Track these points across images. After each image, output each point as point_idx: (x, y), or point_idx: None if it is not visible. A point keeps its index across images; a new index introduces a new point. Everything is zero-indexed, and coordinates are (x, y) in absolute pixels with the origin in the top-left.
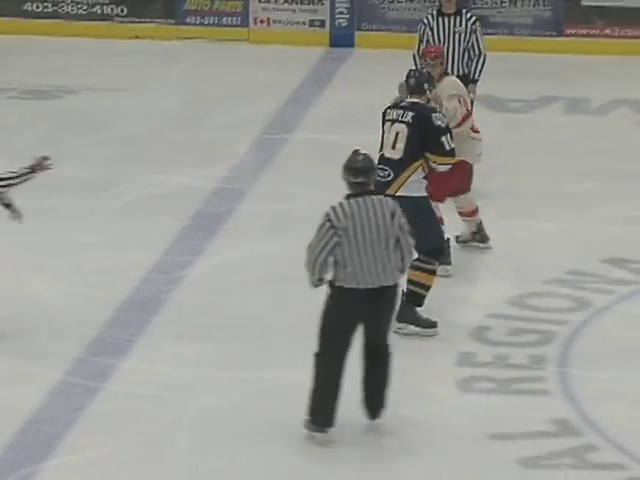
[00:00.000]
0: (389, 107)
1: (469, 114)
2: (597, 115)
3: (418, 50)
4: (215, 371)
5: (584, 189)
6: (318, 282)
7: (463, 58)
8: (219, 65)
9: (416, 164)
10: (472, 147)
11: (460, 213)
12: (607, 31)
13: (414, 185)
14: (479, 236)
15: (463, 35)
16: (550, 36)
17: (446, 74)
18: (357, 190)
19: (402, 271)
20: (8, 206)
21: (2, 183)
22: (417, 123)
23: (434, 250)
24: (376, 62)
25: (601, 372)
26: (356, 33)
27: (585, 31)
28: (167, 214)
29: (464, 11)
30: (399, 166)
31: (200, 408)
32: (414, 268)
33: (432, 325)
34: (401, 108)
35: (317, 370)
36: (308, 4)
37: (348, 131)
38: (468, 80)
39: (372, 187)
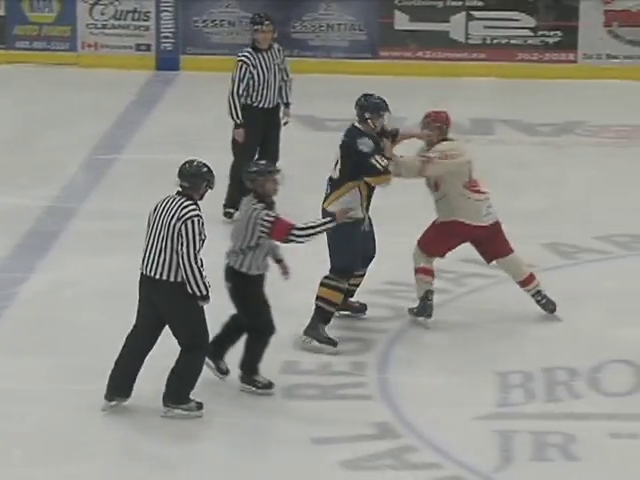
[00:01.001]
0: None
1: (430, 160)
2: None
3: (238, 89)
4: (51, 384)
5: (395, 204)
6: None
7: (281, 87)
8: (49, 89)
9: (351, 184)
10: (472, 208)
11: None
12: (419, 53)
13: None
14: (540, 305)
15: (280, 66)
16: (366, 59)
17: (444, 140)
18: (181, 191)
19: (182, 276)
20: (279, 261)
21: (303, 232)
22: (345, 147)
23: (343, 269)
24: (201, 84)
25: (418, 377)
26: (181, 57)
27: (399, 54)
28: (0, 233)
29: (272, 44)
30: (336, 184)
31: (36, 421)
32: (323, 285)
33: (332, 343)
34: (345, 131)
35: None
36: (134, 29)
37: (175, 151)
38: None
39: (198, 191)
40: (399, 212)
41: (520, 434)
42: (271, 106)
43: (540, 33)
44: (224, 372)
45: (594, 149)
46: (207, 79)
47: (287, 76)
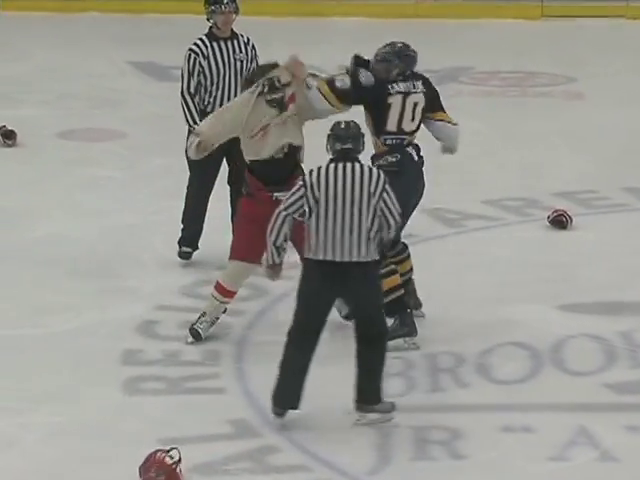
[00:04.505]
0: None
1: None
2: None
3: (188, 86)
4: None
5: None
6: None
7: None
8: None
9: None
10: None
11: None
12: None
13: None
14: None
15: (245, 63)
16: None
17: None
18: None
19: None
20: None
21: None
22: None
23: None
24: (23, 27)
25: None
26: None
27: None
28: None
29: (240, 34)
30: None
31: None
32: None
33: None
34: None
35: None
36: None
37: None
38: None
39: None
40: None
41: (400, 429)
42: None
43: None
44: None
45: (481, 99)
46: (30, 21)
47: None
